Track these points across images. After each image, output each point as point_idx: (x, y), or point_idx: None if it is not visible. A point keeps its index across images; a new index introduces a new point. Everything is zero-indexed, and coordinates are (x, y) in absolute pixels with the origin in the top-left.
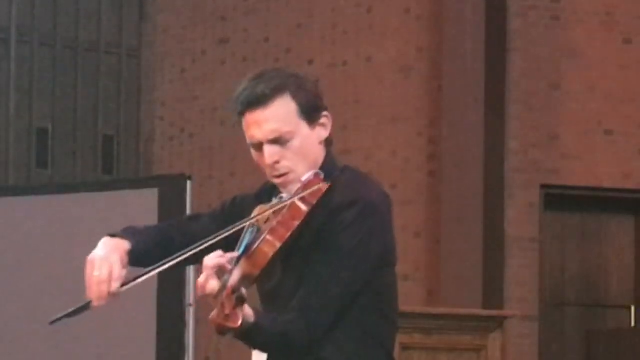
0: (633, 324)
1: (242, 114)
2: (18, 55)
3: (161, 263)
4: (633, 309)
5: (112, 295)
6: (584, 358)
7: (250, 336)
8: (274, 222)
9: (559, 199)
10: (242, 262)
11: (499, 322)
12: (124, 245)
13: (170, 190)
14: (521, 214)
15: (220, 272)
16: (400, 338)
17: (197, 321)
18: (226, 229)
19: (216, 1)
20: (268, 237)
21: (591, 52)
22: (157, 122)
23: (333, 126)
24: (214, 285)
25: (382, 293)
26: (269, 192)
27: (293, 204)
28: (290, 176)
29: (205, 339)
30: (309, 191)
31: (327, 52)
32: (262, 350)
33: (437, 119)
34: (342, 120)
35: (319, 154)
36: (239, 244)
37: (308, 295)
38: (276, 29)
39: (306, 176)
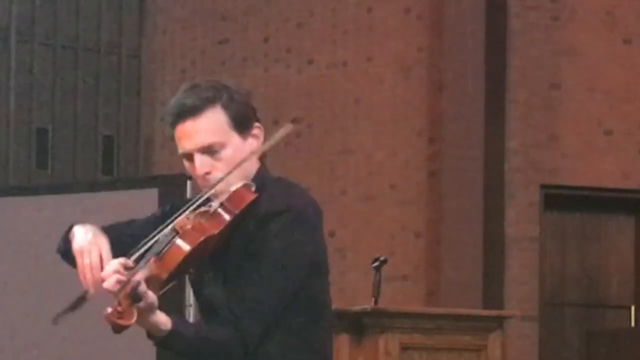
0: (633, 324)
1: (173, 125)
2: (18, 55)
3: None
4: (633, 309)
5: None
6: (584, 358)
7: (167, 343)
8: (188, 227)
9: (559, 199)
10: (152, 263)
11: (499, 322)
12: (101, 232)
13: (170, 190)
14: (521, 214)
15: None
16: (400, 338)
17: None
18: (151, 234)
19: (216, 1)
20: (179, 241)
21: (591, 52)
22: (157, 122)
23: (333, 126)
24: (114, 280)
25: (313, 300)
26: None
27: (215, 211)
28: (221, 186)
29: None
30: (232, 200)
31: (327, 52)
32: (188, 357)
33: (437, 119)
34: (342, 120)
35: (251, 165)
36: (154, 247)
37: (241, 305)
38: (276, 29)
39: (235, 186)
